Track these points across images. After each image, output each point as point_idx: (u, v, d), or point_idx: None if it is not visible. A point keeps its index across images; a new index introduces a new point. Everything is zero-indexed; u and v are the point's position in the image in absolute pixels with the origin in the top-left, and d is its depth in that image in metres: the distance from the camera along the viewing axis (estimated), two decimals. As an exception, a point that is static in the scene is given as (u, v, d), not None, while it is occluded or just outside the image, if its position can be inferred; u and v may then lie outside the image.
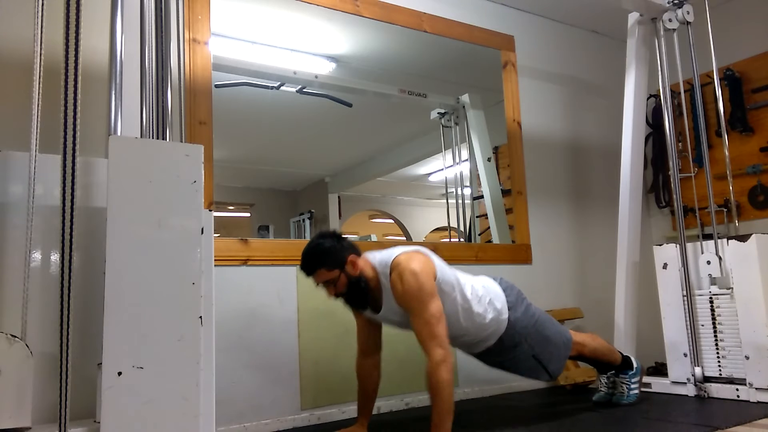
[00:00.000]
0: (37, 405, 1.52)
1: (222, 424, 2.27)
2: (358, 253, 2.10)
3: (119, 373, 1.41)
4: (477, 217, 3.59)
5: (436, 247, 3.04)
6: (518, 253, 3.35)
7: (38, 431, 1.48)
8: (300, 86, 3.06)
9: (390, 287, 2.05)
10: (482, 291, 2.23)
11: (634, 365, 2.57)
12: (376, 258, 2.13)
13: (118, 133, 1.73)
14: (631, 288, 3.04)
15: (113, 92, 1.77)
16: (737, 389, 2.58)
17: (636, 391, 2.56)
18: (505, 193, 3.48)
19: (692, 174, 3.20)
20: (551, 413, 2.46)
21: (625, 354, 2.60)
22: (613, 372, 2.59)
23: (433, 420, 1.91)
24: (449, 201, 3.70)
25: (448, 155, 3.66)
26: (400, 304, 2.04)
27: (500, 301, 2.25)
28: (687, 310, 2.78)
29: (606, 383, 2.60)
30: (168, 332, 1.48)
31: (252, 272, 2.49)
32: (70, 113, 1.51)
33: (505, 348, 2.24)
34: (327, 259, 2.03)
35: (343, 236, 2.12)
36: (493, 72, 3.50)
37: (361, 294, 2.08)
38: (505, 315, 2.23)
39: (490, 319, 2.19)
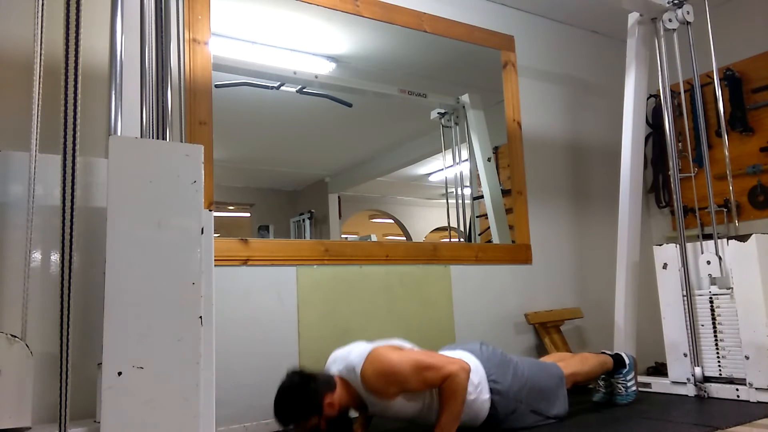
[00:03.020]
0: (37, 405, 1.52)
1: (222, 424, 2.27)
2: (332, 387, 1.98)
3: (119, 373, 1.41)
4: (477, 217, 3.59)
5: (436, 247, 3.05)
6: (518, 253, 3.35)
7: (38, 431, 1.48)
8: (300, 86, 3.06)
9: (372, 394, 1.97)
10: None
11: (626, 361, 2.56)
12: (342, 366, 2.04)
13: (118, 133, 1.73)
14: (631, 288, 3.04)
15: (113, 92, 1.77)
16: (737, 389, 2.58)
17: (633, 388, 2.56)
18: (505, 193, 3.48)
19: (692, 174, 3.19)
20: (551, 413, 2.46)
21: (614, 353, 2.59)
22: (607, 372, 2.58)
23: (440, 422, 1.91)
24: (449, 201, 3.70)
25: (448, 155, 3.66)
26: (394, 395, 1.97)
27: (480, 379, 2.13)
28: (687, 310, 2.78)
29: (603, 384, 2.60)
30: (168, 332, 1.48)
31: (252, 272, 2.49)
32: (70, 113, 1.51)
33: (503, 417, 2.15)
34: (302, 411, 1.93)
35: (314, 376, 1.99)
36: (493, 72, 3.50)
37: (345, 425, 2.03)
38: (486, 395, 2.11)
39: (471, 400, 2.07)
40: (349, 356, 2.05)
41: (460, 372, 1.95)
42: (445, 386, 1.94)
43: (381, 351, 2.00)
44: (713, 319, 2.72)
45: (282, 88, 3.01)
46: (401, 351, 2.04)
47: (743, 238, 2.63)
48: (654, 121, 3.92)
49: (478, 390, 2.11)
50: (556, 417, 2.26)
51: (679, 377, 2.79)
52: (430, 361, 1.99)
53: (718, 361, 2.68)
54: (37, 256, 1.62)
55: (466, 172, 3.64)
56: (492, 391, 2.14)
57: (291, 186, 3.50)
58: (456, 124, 3.61)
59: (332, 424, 1.97)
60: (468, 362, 2.09)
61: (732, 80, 3.59)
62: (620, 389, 2.55)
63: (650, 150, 3.95)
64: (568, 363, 2.44)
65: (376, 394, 1.98)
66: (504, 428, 2.17)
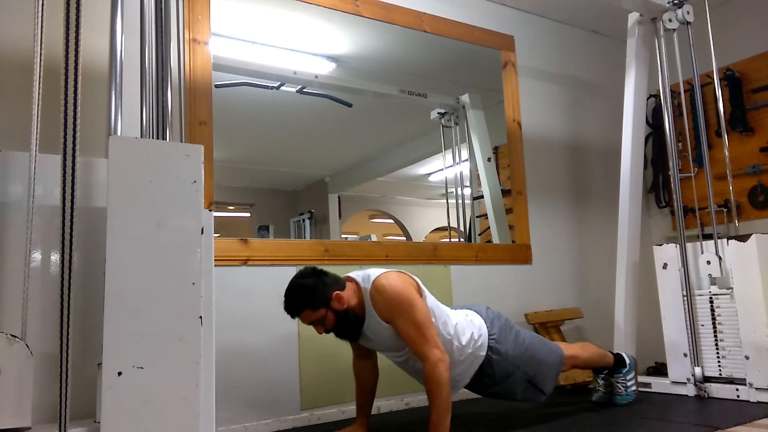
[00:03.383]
0: (37, 405, 1.51)
1: (222, 424, 2.27)
2: (342, 286, 2.05)
3: (119, 373, 1.41)
4: (477, 217, 3.59)
5: (436, 247, 3.05)
6: (518, 253, 3.35)
7: (38, 431, 1.48)
8: (300, 86, 3.06)
9: (371, 304, 2.03)
10: (463, 323, 2.18)
11: (627, 361, 2.57)
12: (359, 276, 2.11)
13: (118, 133, 1.73)
14: (631, 288, 3.04)
15: (113, 92, 1.77)
16: (737, 389, 2.58)
17: (633, 388, 2.56)
18: (505, 193, 3.48)
19: (692, 174, 3.19)
20: (551, 413, 2.46)
21: (615, 352, 2.60)
22: (607, 372, 2.59)
23: (431, 418, 1.91)
24: (449, 201, 3.70)
25: (448, 155, 3.66)
26: (384, 318, 2.02)
27: (481, 335, 2.19)
28: (687, 310, 2.78)
29: (603, 384, 2.60)
30: (168, 332, 1.48)
31: (252, 272, 2.49)
32: (70, 113, 1.51)
33: (499, 378, 2.20)
34: (311, 299, 1.99)
35: (325, 272, 2.07)
36: (493, 72, 3.50)
37: (351, 326, 2.06)
38: (483, 351, 2.17)
39: (468, 353, 2.15)
40: (372, 270, 2.11)
41: (439, 364, 1.92)
42: (427, 377, 1.93)
43: (405, 279, 2.06)
44: (713, 319, 2.72)
45: (282, 88, 3.01)
46: (418, 296, 2.03)
47: (743, 238, 2.63)
48: (654, 121, 3.92)
49: (476, 347, 2.16)
50: (545, 393, 2.30)
51: (679, 377, 2.79)
52: (424, 325, 1.98)
53: (718, 361, 2.68)
54: (37, 256, 1.62)
55: (466, 172, 3.64)
56: (492, 349, 2.18)
57: (291, 186, 3.50)
58: (456, 124, 3.61)
59: (338, 321, 2.02)
60: (473, 322, 2.20)
61: (732, 80, 3.59)
62: (620, 389, 2.55)
63: (650, 150, 3.95)
64: (569, 346, 2.48)
65: (375, 308, 2.02)
66: (497, 390, 2.23)
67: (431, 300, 2.13)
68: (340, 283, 2.07)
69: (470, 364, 2.17)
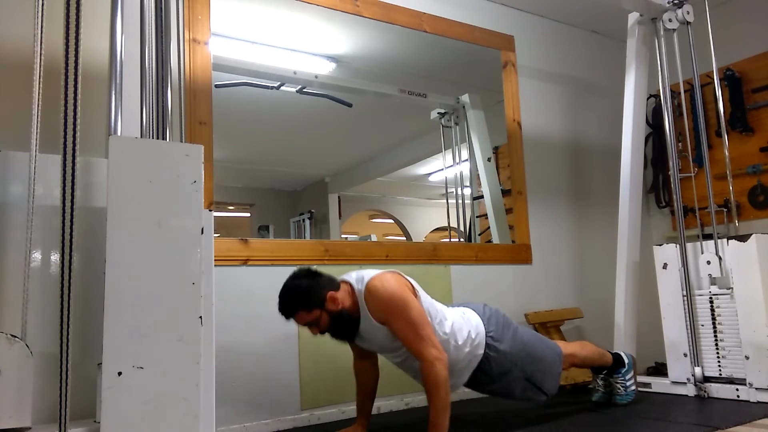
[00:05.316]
0: (37, 405, 1.52)
1: (222, 424, 2.27)
2: (337, 287, 2.04)
3: (119, 373, 1.41)
4: (477, 217, 3.59)
5: (436, 247, 3.05)
6: (518, 253, 3.35)
7: (38, 431, 1.48)
8: (300, 86, 3.06)
9: (366, 305, 2.02)
10: (460, 322, 2.17)
11: (626, 361, 2.56)
12: (353, 277, 2.10)
13: (118, 133, 1.73)
14: (631, 288, 3.04)
15: (113, 92, 1.77)
16: (737, 389, 2.58)
17: (633, 388, 2.56)
18: (505, 193, 3.48)
19: (692, 174, 3.19)
20: (551, 413, 2.45)
21: (614, 352, 2.59)
22: (606, 372, 2.58)
23: (430, 418, 1.91)
24: (449, 201, 3.70)
25: (448, 155, 3.66)
26: (379, 320, 2.01)
27: (478, 333, 2.17)
28: (687, 310, 2.78)
29: (602, 384, 2.60)
30: (168, 332, 1.48)
31: (252, 272, 2.49)
32: (70, 113, 1.51)
33: (496, 376, 2.19)
34: (305, 300, 1.98)
35: (319, 272, 2.06)
36: (493, 72, 3.50)
37: (346, 327, 2.05)
38: (481, 350, 2.16)
39: (465, 353, 2.13)
40: (366, 271, 2.10)
41: (436, 362, 1.91)
42: (425, 377, 1.92)
43: (399, 279, 2.05)
44: (713, 319, 2.72)
45: (282, 88, 3.01)
46: (412, 296, 2.03)
47: (743, 238, 2.63)
48: (654, 121, 3.92)
49: (474, 346, 2.14)
50: (546, 393, 2.28)
51: (679, 377, 2.79)
52: (420, 324, 1.97)
53: (718, 361, 2.68)
54: (37, 256, 1.62)
55: (466, 172, 3.64)
56: (489, 347, 2.17)
57: (291, 186, 3.50)
58: (456, 124, 3.61)
59: (333, 322, 2.01)
60: (470, 321, 2.18)
61: (732, 80, 3.59)
62: (619, 389, 2.55)
63: (650, 150, 3.95)
64: (568, 344, 2.48)
65: (371, 309, 2.01)
66: (494, 388, 2.22)
67: (426, 300, 2.12)
68: (334, 283, 2.06)
69: (468, 363, 2.16)
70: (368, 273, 2.07)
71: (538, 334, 2.46)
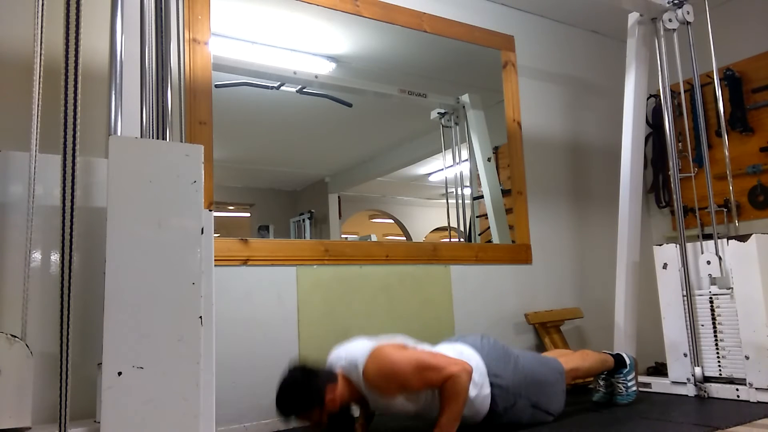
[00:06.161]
0: (37, 405, 1.52)
1: (222, 424, 2.27)
2: (334, 381, 1.98)
3: (119, 373, 1.41)
4: (477, 217, 3.59)
5: (436, 247, 3.05)
6: (518, 253, 3.35)
7: (38, 431, 1.48)
8: (300, 86, 3.06)
9: (375, 391, 1.98)
10: None
11: (627, 361, 2.56)
12: (342, 359, 2.05)
13: (118, 133, 1.73)
14: (631, 288, 3.04)
15: (113, 92, 1.77)
16: (737, 389, 2.58)
17: (634, 389, 2.55)
18: (505, 193, 3.48)
19: (692, 174, 3.19)
20: (551, 413, 2.46)
21: (615, 353, 2.59)
22: (608, 372, 2.58)
23: (440, 422, 1.91)
24: (449, 201, 3.70)
25: (448, 155, 3.66)
26: (394, 395, 1.98)
27: (481, 374, 2.11)
28: (687, 310, 2.78)
29: (603, 384, 2.60)
30: (168, 332, 1.48)
31: (252, 272, 2.49)
32: (70, 113, 1.51)
33: (503, 411, 2.14)
34: (303, 404, 1.93)
35: (315, 370, 2.00)
36: (493, 72, 3.50)
37: (347, 420, 2.03)
38: (488, 389, 2.11)
39: (472, 397, 2.08)
40: (351, 352, 2.05)
41: (462, 373, 1.94)
42: (446, 387, 1.94)
43: (384, 349, 2.00)
44: (713, 319, 2.72)
45: (282, 88, 3.01)
46: (404, 350, 2.03)
47: (743, 238, 2.63)
48: (654, 121, 3.92)
49: (480, 386, 2.10)
50: (553, 414, 2.26)
51: (679, 377, 2.79)
52: (433, 362, 1.99)
53: (718, 361, 2.68)
54: (37, 256, 1.62)
55: (466, 172, 3.64)
56: (492, 385, 2.13)
57: (291, 186, 3.50)
58: (456, 124, 3.61)
59: (333, 419, 1.97)
60: (469, 361, 2.09)
61: (732, 80, 3.59)
62: (620, 389, 2.55)
63: (650, 150, 3.95)
64: (569, 359, 2.44)
65: (378, 392, 1.98)
66: (503, 422, 2.17)
67: (423, 347, 2.11)
68: (332, 378, 1.99)
69: (482, 402, 2.11)
70: (358, 355, 2.00)
71: (537, 356, 2.42)
